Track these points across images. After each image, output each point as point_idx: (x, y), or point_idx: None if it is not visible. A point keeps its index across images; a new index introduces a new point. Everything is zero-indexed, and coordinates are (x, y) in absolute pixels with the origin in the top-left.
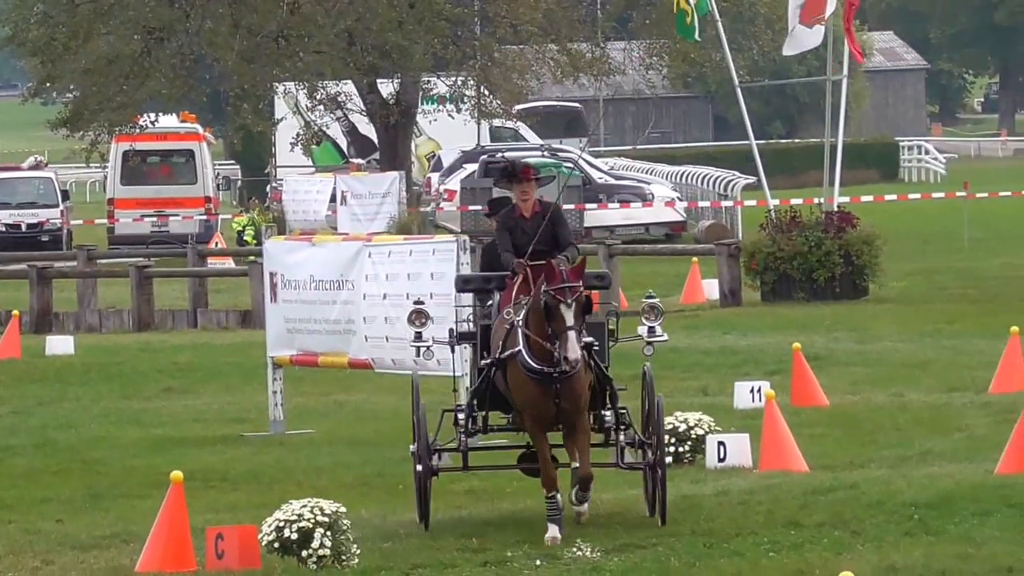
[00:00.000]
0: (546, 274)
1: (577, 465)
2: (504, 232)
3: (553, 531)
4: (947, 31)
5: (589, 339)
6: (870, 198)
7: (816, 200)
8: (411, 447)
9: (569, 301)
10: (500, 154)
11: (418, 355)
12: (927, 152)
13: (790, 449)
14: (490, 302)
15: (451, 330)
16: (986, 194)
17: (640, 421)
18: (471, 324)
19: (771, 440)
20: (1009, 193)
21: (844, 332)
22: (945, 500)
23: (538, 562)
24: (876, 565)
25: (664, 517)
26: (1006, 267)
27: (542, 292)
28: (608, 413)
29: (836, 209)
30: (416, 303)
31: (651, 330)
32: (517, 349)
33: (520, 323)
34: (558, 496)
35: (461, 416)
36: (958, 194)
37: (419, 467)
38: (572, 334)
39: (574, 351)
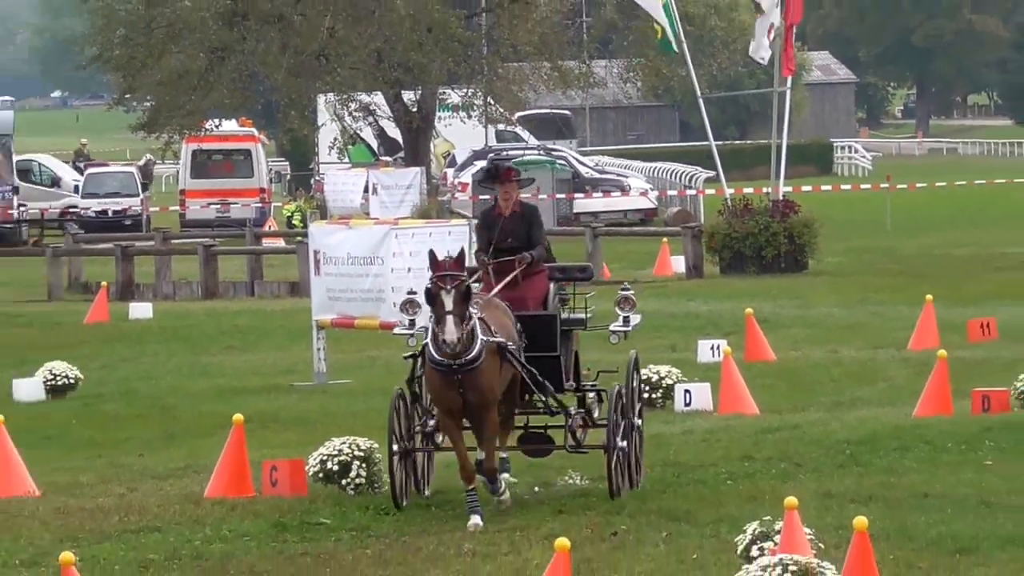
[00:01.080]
0: (432, 263)
1: (482, 458)
2: (483, 230)
3: (474, 520)
4: (872, 51)
5: (501, 340)
6: (809, 189)
7: (764, 191)
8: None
9: (449, 288)
10: (504, 152)
11: (409, 340)
12: (856, 151)
13: (744, 396)
14: None
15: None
16: (905, 185)
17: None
18: None
19: (728, 388)
20: (924, 185)
21: (788, 300)
22: (871, 438)
23: (536, 488)
24: (815, 491)
25: (614, 494)
26: (922, 247)
27: (428, 281)
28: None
29: (781, 198)
30: (409, 293)
31: (625, 319)
32: (426, 341)
33: (431, 318)
34: (475, 488)
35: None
36: (882, 186)
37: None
38: (450, 318)
39: (451, 334)
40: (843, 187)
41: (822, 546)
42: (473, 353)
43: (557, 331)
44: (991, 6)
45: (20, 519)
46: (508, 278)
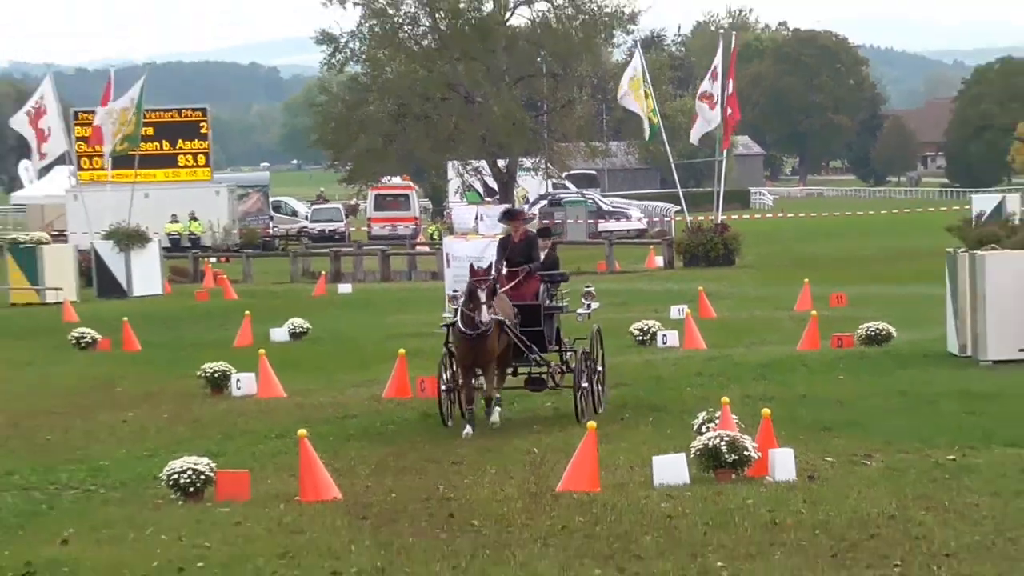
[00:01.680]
0: (471, 271)
1: (484, 387)
2: (500, 249)
3: (467, 429)
4: (773, 136)
5: (500, 318)
6: (736, 217)
7: (710, 218)
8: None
9: (482, 287)
10: (556, 195)
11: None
12: (763, 194)
13: (698, 339)
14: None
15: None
16: (792, 215)
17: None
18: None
19: (689, 334)
20: (803, 214)
21: (723, 283)
22: (772, 363)
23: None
24: (739, 395)
25: (578, 418)
26: (803, 251)
27: (468, 282)
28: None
29: (719, 222)
30: (453, 291)
31: (588, 306)
32: (456, 318)
33: (460, 303)
34: (473, 409)
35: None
36: (779, 215)
37: (446, 392)
38: (484, 307)
39: (485, 316)
40: (756, 216)
41: (743, 426)
42: (484, 327)
43: (541, 315)
44: (844, 109)
45: (275, 411)
46: (514, 281)
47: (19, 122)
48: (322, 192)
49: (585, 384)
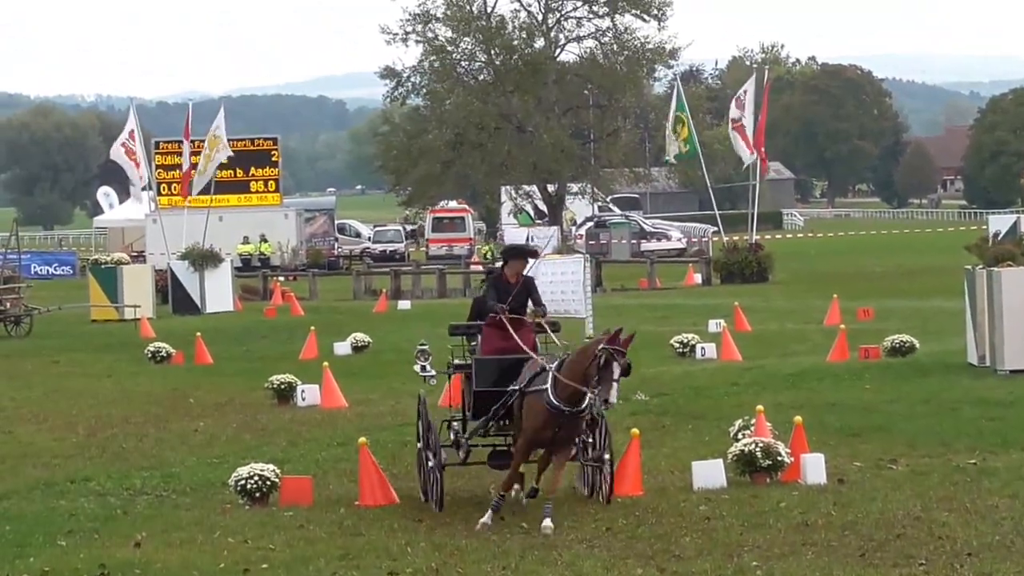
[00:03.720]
0: (609, 339)
1: (545, 485)
2: (492, 289)
3: (487, 517)
4: (803, 161)
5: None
6: (769, 237)
7: (745, 237)
8: (418, 445)
9: (621, 361)
10: (603, 218)
11: (424, 381)
12: (794, 216)
13: (734, 350)
14: (474, 343)
15: (448, 363)
16: (822, 234)
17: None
18: (461, 359)
19: (725, 346)
20: (832, 234)
21: (757, 298)
22: (804, 372)
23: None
24: (772, 402)
25: (608, 499)
26: (832, 268)
27: (600, 348)
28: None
29: (753, 241)
30: (420, 344)
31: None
32: (544, 387)
33: (553, 368)
34: (507, 497)
35: (459, 424)
36: (809, 235)
37: (431, 463)
38: (616, 384)
39: (615, 396)
40: (788, 236)
41: (777, 433)
42: (583, 404)
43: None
44: (869, 136)
45: (337, 419)
46: (542, 326)
47: (117, 154)
48: (407, 216)
49: (607, 456)
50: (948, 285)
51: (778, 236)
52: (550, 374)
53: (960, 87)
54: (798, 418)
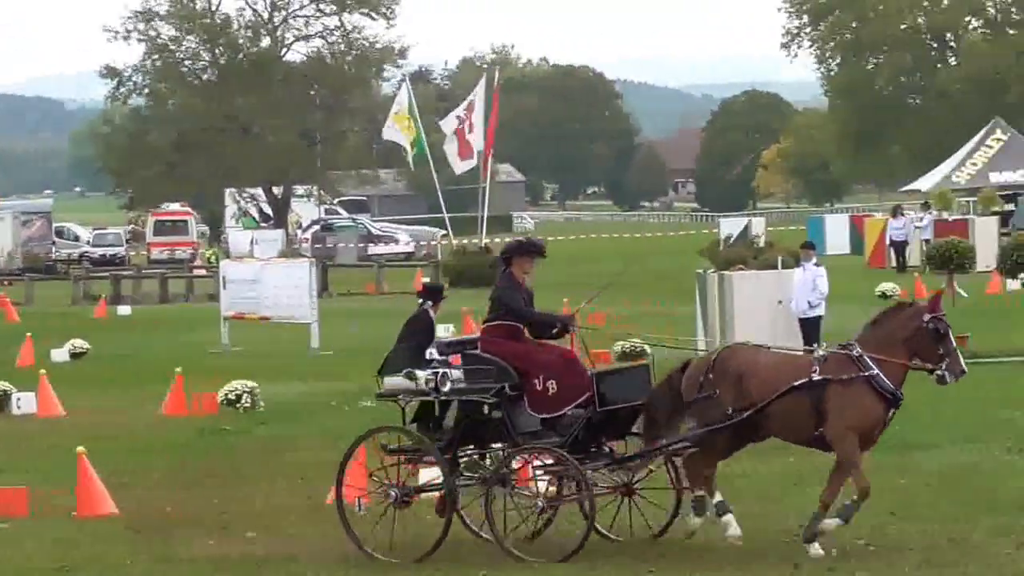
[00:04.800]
0: (932, 306)
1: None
2: (513, 292)
3: (816, 548)
4: (535, 164)
5: None
6: (499, 240)
7: (475, 240)
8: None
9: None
10: (329, 220)
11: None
12: (523, 219)
13: None
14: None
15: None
16: (552, 237)
17: None
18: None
19: None
20: (563, 237)
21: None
22: None
23: None
24: None
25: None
26: (566, 272)
27: (929, 318)
28: None
29: (483, 245)
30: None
31: None
32: (874, 372)
33: (856, 353)
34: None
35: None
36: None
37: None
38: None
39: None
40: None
41: None
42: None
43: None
44: (601, 138)
45: (55, 428)
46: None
47: None
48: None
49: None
50: (681, 289)
51: (508, 239)
52: (866, 358)
53: (695, 89)
54: None
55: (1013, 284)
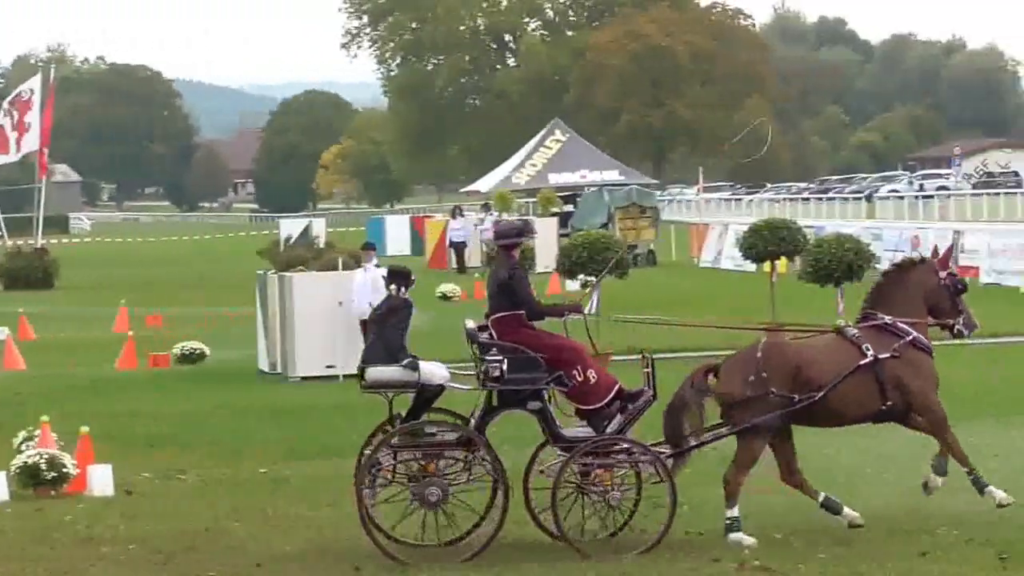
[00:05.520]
0: (942, 263)
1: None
2: (529, 284)
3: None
4: (92, 163)
5: None
6: (55, 241)
7: (30, 242)
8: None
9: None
10: None
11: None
12: (81, 220)
13: (19, 360)
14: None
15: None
16: (110, 239)
17: None
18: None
19: (9, 355)
20: (121, 239)
21: (46, 305)
22: (97, 381)
23: None
24: (62, 412)
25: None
26: (123, 276)
27: (946, 275)
28: None
29: (39, 247)
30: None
31: None
32: (913, 334)
33: (889, 318)
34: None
35: None
36: (97, 239)
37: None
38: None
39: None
40: (75, 240)
41: (63, 444)
42: None
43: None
44: (159, 138)
45: None
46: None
47: None
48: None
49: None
50: (241, 291)
51: (65, 240)
52: (898, 322)
53: (257, 89)
54: (84, 428)
55: (573, 284)
